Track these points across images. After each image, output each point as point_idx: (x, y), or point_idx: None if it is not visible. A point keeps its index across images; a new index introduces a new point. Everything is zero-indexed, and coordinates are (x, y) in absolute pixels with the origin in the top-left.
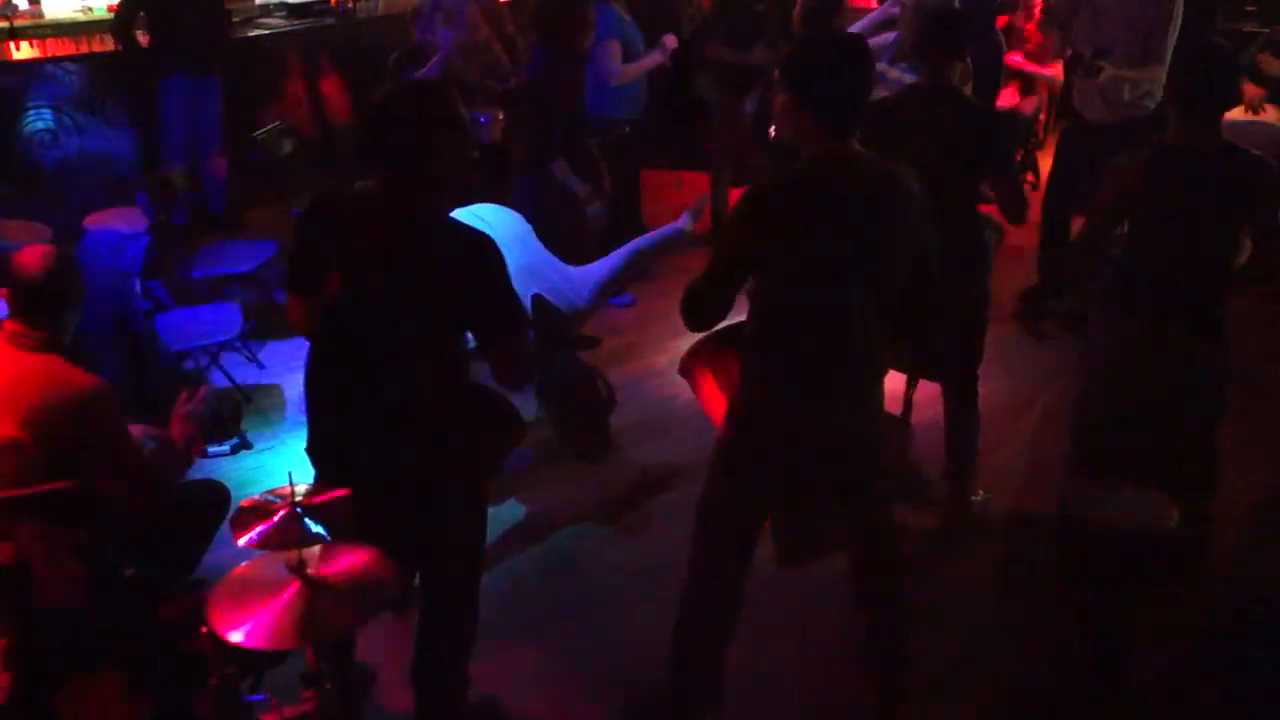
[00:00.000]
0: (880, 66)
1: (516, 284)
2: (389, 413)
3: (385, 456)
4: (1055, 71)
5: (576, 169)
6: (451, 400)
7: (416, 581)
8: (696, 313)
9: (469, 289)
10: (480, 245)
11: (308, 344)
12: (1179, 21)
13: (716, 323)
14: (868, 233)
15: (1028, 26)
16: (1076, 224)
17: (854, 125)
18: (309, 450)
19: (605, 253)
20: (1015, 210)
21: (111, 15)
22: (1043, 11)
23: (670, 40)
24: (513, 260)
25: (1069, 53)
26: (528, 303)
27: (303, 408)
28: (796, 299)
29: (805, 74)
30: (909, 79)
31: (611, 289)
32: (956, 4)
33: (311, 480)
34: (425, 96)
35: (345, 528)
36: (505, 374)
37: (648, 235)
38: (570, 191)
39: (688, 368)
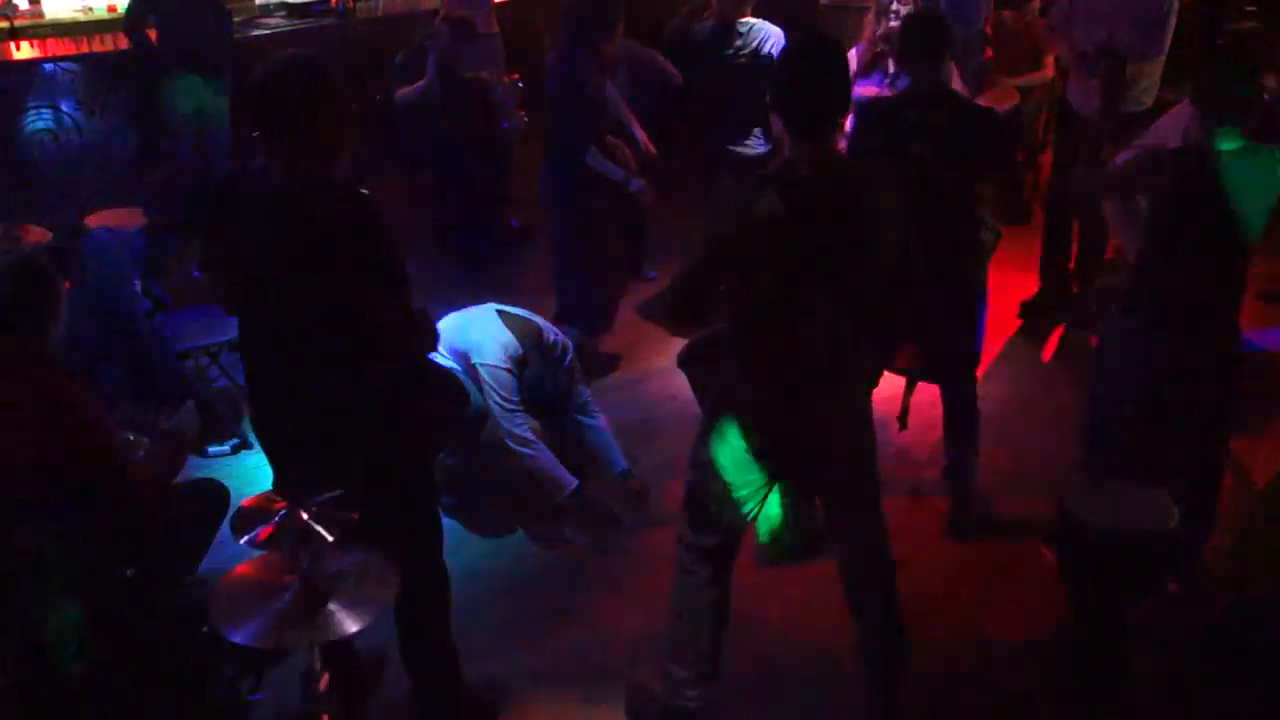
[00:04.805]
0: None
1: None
2: (327, 402)
3: (329, 446)
4: (1049, 71)
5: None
6: (383, 375)
7: None
8: (679, 313)
9: (362, 255)
10: (362, 203)
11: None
12: (1175, 17)
13: (697, 321)
14: (843, 233)
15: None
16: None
17: (822, 128)
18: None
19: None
20: (1008, 211)
21: (111, 15)
22: (1045, 24)
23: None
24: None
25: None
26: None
27: None
28: (772, 298)
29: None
30: None
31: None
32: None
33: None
34: (296, 69)
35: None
36: (394, 333)
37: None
38: (608, 176)
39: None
